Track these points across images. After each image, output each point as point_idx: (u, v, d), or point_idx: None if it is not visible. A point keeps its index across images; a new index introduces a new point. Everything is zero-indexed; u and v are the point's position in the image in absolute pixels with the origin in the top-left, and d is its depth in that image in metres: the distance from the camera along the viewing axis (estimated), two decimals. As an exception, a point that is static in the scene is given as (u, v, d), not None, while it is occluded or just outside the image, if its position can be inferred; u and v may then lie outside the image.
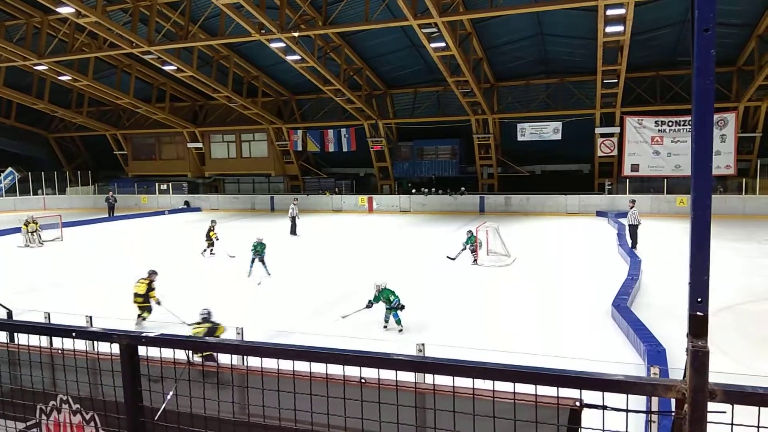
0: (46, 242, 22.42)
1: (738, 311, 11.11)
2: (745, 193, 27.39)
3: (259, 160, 37.82)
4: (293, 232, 24.00)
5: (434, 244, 20.64)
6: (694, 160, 1.62)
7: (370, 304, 10.92)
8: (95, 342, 2.65)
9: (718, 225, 21.46)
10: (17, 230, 23.38)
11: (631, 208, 18.91)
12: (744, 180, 27.60)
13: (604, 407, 1.80)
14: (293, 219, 24.30)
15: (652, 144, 28.84)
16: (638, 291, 12.62)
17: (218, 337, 8.17)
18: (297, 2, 22.18)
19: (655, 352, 8.09)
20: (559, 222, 27.13)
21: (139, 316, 11.23)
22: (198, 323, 8.59)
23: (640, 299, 12.13)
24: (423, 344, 5.77)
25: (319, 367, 2.15)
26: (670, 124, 28.41)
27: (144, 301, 11.19)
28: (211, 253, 19.12)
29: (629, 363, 8.31)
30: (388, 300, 10.83)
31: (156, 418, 2.37)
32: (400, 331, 10.68)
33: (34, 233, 22.15)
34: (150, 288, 11.20)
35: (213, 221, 20.30)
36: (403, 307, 10.81)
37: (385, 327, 10.88)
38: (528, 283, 14.30)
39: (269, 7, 21.89)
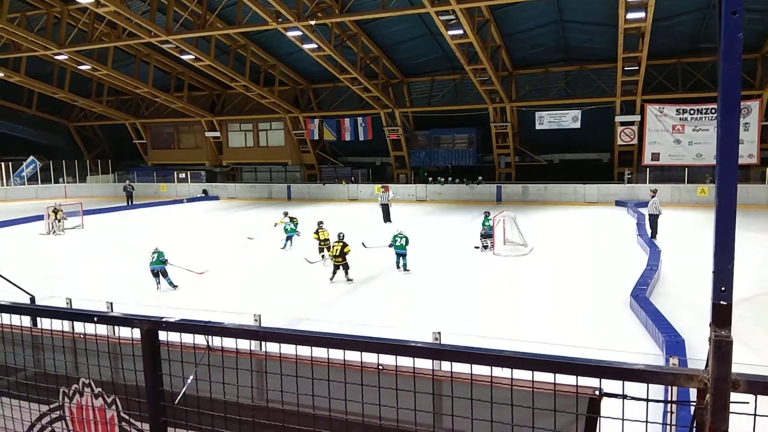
0: (67, 230, 22.79)
1: (757, 302, 10.94)
2: (768, 182, 26.91)
3: (276, 149, 37.93)
4: (387, 219, 23.96)
5: (450, 234, 20.59)
6: (719, 146, 1.58)
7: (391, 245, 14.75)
8: (116, 327, 2.69)
9: (739, 215, 20.96)
10: (40, 218, 23.78)
11: (652, 197, 18.67)
12: (767, 169, 27.09)
13: (624, 396, 1.79)
14: (385, 206, 24.32)
15: (674, 132, 28.39)
16: (657, 281, 12.49)
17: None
18: (314, -10, 22.13)
19: (673, 343, 8.01)
20: (577, 211, 26.88)
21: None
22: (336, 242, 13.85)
23: (659, 289, 12.00)
24: (439, 332, 5.77)
25: (336, 354, 2.16)
26: (692, 112, 27.91)
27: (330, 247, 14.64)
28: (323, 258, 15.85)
29: (648, 353, 8.25)
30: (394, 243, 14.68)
31: (176, 402, 2.40)
32: (407, 270, 14.41)
33: (62, 221, 22.63)
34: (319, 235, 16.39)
35: (320, 222, 17.25)
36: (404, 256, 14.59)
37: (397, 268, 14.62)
38: (545, 272, 14.21)
39: (286, -5, 21.86)
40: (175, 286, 13.19)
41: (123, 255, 17.62)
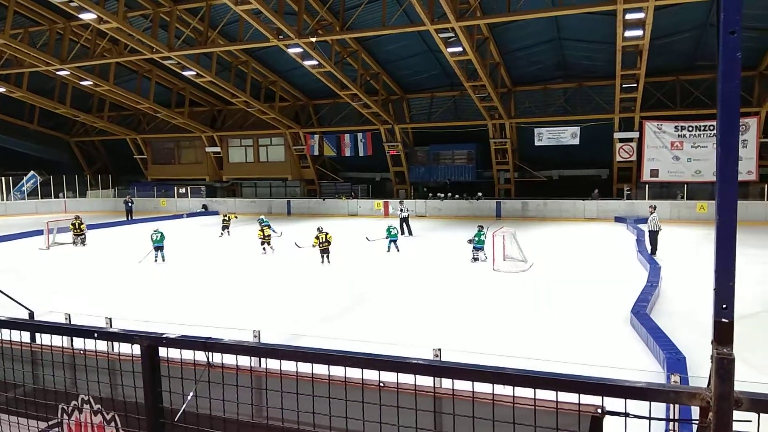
0: (66, 244, 22.78)
1: (758, 319, 10.91)
2: (767, 199, 26.94)
3: (276, 165, 38.03)
4: (409, 232, 24.51)
5: (450, 250, 20.56)
6: (719, 164, 1.59)
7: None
8: (116, 343, 2.68)
9: (738, 231, 20.97)
10: (39, 233, 23.77)
11: (651, 213, 18.69)
12: (766, 186, 27.15)
13: (626, 414, 1.78)
14: (406, 220, 24.67)
15: (672, 149, 28.49)
16: (658, 298, 12.45)
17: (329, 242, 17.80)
18: (314, 8, 22.32)
19: (674, 360, 7.97)
20: (577, 228, 26.89)
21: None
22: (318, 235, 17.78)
23: (660, 306, 11.97)
24: (440, 349, 5.74)
25: (337, 370, 2.15)
26: (691, 129, 28.05)
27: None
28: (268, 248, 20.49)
29: (649, 371, 8.19)
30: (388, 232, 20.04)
31: (176, 420, 2.39)
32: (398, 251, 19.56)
33: (80, 235, 23.04)
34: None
35: (261, 220, 22.60)
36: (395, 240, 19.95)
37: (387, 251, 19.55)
38: (545, 289, 14.17)
39: (287, 13, 22.06)
40: (164, 260, 18.50)
41: (122, 270, 17.58)
